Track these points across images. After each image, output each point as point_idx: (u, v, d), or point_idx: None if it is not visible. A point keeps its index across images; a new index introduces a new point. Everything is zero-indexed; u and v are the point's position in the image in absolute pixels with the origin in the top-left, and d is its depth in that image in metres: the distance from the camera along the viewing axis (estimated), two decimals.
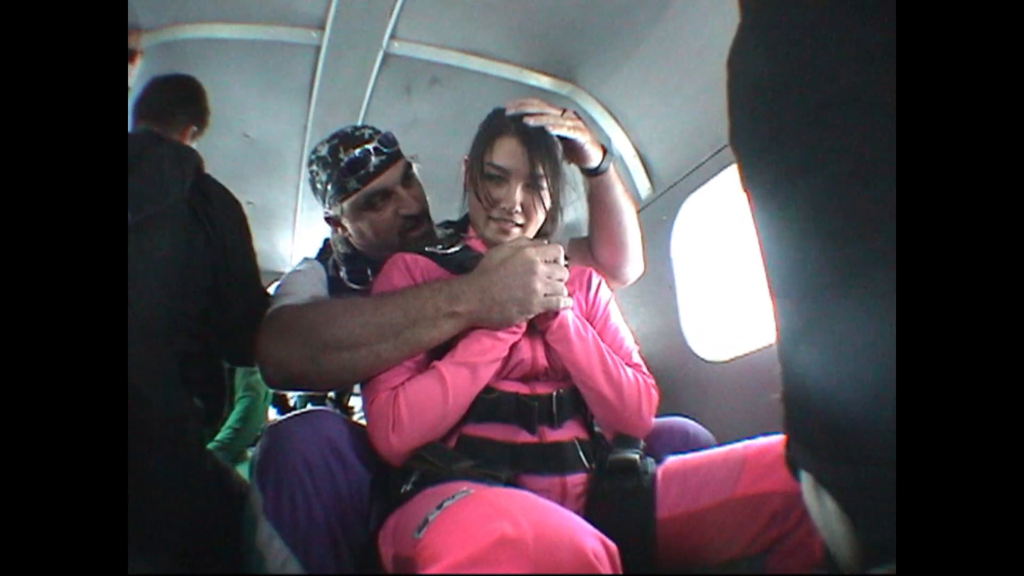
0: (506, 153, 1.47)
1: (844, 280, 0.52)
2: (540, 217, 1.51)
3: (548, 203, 1.49)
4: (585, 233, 1.86)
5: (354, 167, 1.73)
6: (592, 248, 1.78)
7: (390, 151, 1.77)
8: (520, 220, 1.48)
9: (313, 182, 1.84)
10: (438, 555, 0.81)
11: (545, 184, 1.47)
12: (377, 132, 1.80)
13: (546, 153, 1.47)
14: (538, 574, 0.75)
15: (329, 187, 1.77)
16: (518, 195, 1.46)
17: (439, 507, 0.94)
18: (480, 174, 1.48)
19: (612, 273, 1.73)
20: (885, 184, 0.48)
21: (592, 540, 0.82)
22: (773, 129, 0.59)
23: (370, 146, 1.74)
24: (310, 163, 1.84)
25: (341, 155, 1.74)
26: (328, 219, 1.87)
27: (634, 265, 1.85)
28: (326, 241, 1.94)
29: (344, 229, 1.83)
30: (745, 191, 0.65)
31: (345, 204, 1.76)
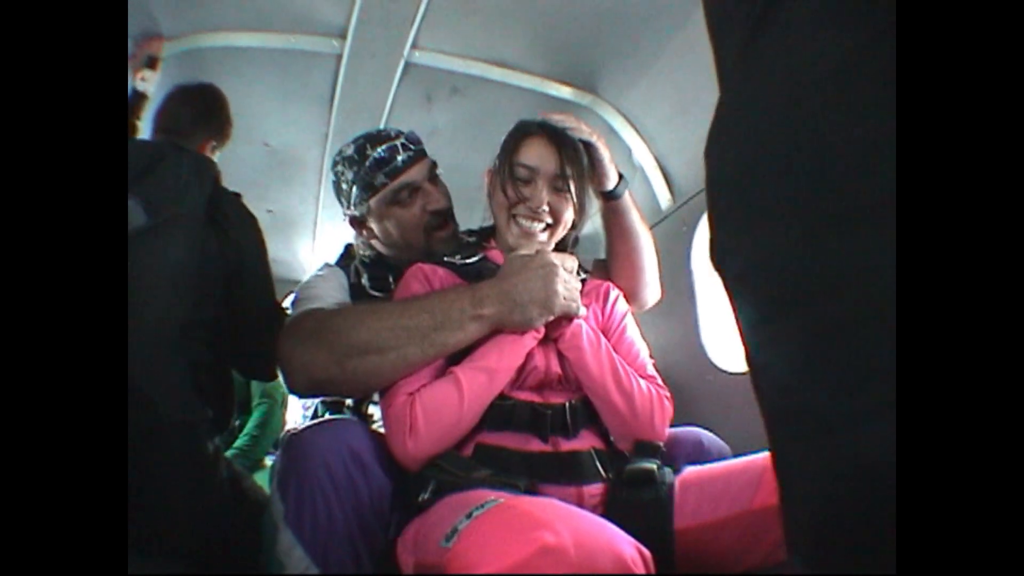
0: (535, 153, 1.50)
1: (840, 405, 0.48)
2: (566, 219, 1.53)
3: (574, 205, 1.52)
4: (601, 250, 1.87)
5: (382, 163, 1.75)
6: (609, 273, 1.79)
7: (416, 148, 1.81)
8: (548, 219, 1.51)
9: (338, 183, 1.86)
10: (474, 564, 0.82)
11: (571, 187, 1.49)
12: (401, 132, 1.83)
13: (574, 156, 1.50)
14: None
15: (355, 186, 1.79)
16: (545, 194, 1.49)
17: (468, 516, 0.94)
18: (508, 174, 1.51)
19: (629, 298, 1.73)
20: (885, 331, 0.44)
21: (629, 547, 0.84)
22: (758, 254, 0.56)
23: (397, 143, 1.77)
24: (335, 164, 1.86)
25: (368, 152, 1.77)
26: (352, 220, 1.88)
27: (651, 290, 1.86)
28: (347, 247, 1.95)
29: (369, 231, 1.84)
30: (735, 315, 0.61)
31: (372, 201, 1.78)
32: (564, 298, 1.40)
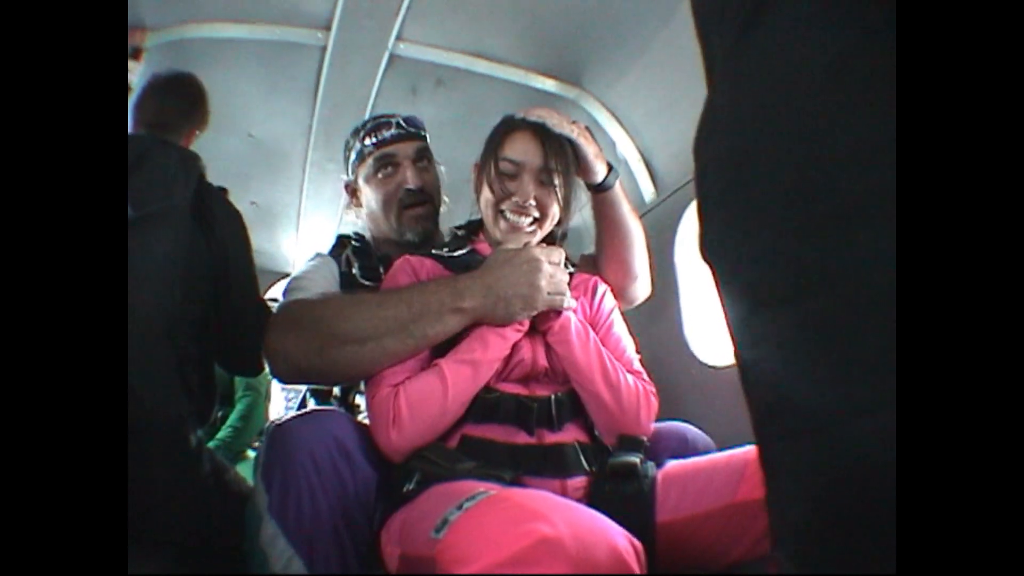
0: (520, 147, 1.51)
1: (834, 402, 0.47)
2: (553, 213, 1.53)
3: (560, 199, 1.52)
4: (588, 243, 1.89)
5: (374, 134, 1.87)
6: (599, 267, 1.80)
7: (410, 129, 1.91)
8: (535, 213, 1.51)
9: (344, 151, 1.98)
10: (468, 556, 0.82)
11: (557, 180, 1.50)
12: (408, 116, 1.93)
13: (559, 150, 1.51)
14: (577, 574, 0.76)
15: (352, 152, 1.94)
16: (531, 188, 1.49)
17: (459, 507, 0.93)
18: (494, 169, 1.51)
19: (619, 293, 1.74)
20: (880, 326, 0.43)
21: (622, 539, 0.84)
22: (750, 248, 0.54)
23: (393, 120, 1.90)
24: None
25: (368, 124, 1.92)
26: (346, 186, 2.02)
27: (641, 284, 1.86)
28: (339, 237, 1.98)
29: (356, 200, 1.97)
30: (723, 310, 0.60)
31: (360, 168, 1.91)
32: (548, 293, 1.40)
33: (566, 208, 1.55)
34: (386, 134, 1.86)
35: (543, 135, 1.51)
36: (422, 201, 1.86)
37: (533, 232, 1.53)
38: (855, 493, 0.46)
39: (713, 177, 0.60)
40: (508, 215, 1.51)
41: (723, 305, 0.60)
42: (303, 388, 1.91)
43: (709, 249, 0.61)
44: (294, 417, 1.31)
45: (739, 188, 0.56)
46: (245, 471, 2.16)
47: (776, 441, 0.54)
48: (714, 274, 0.61)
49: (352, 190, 1.98)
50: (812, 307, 0.48)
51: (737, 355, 0.58)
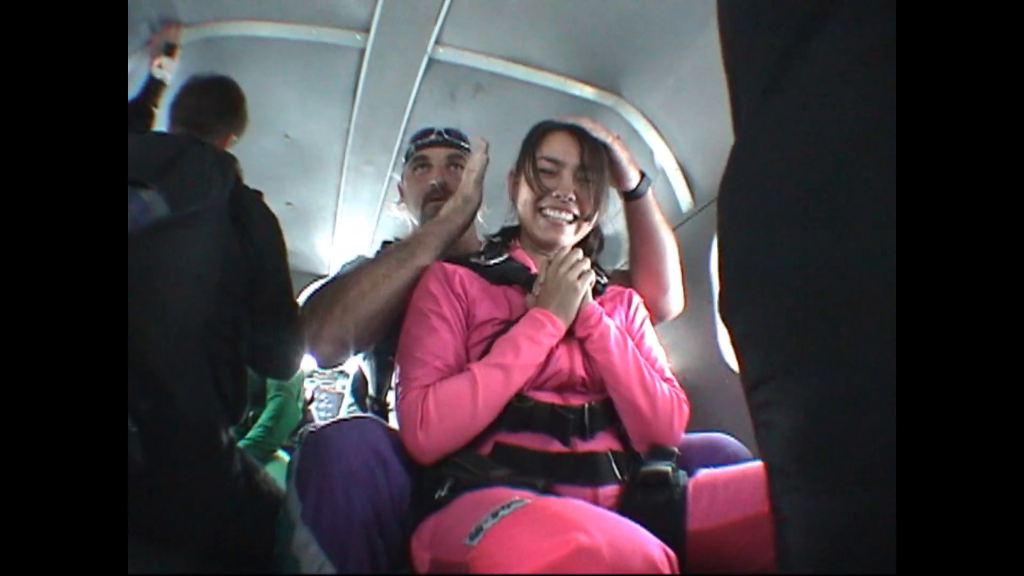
0: (559, 147, 1.56)
1: (840, 472, 0.48)
2: (590, 214, 1.57)
3: (594, 199, 1.55)
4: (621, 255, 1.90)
5: (418, 137, 2.09)
6: (632, 279, 1.82)
7: (449, 139, 2.07)
8: (575, 210, 1.54)
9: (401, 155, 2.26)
10: (503, 563, 0.83)
11: (593, 178, 1.54)
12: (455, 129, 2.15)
13: (595, 151, 1.56)
14: None
15: (404, 155, 2.15)
16: (571, 184, 1.53)
17: (494, 515, 0.94)
18: (532, 169, 1.55)
19: (651, 306, 1.74)
20: (884, 408, 0.43)
21: (657, 548, 0.85)
22: (765, 316, 0.55)
23: (437, 128, 2.08)
24: None
25: (419, 132, 2.12)
26: (399, 185, 2.20)
27: (673, 296, 1.87)
28: (384, 243, 2.04)
29: (402, 195, 2.15)
30: (740, 371, 0.60)
31: (406, 168, 2.11)
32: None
33: (597, 207, 1.58)
34: (426, 139, 2.04)
35: (580, 135, 1.55)
36: (443, 196, 1.92)
37: (572, 232, 1.56)
38: (857, 560, 0.46)
39: (735, 234, 0.61)
40: (548, 212, 1.54)
41: (739, 364, 0.60)
42: (340, 388, 1.97)
43: (728, 309, 0.62)
44: (329, 424, 1.32)
45: (759, 251, 0.56)
46: (275, 471, 2.16)
47: (784, 495, 0.55)
48: (731, 335, 0.61)
49: (400, 187, 2.15)
50: (821, 383, 0.49)
51: (752, 415, 0.59)
